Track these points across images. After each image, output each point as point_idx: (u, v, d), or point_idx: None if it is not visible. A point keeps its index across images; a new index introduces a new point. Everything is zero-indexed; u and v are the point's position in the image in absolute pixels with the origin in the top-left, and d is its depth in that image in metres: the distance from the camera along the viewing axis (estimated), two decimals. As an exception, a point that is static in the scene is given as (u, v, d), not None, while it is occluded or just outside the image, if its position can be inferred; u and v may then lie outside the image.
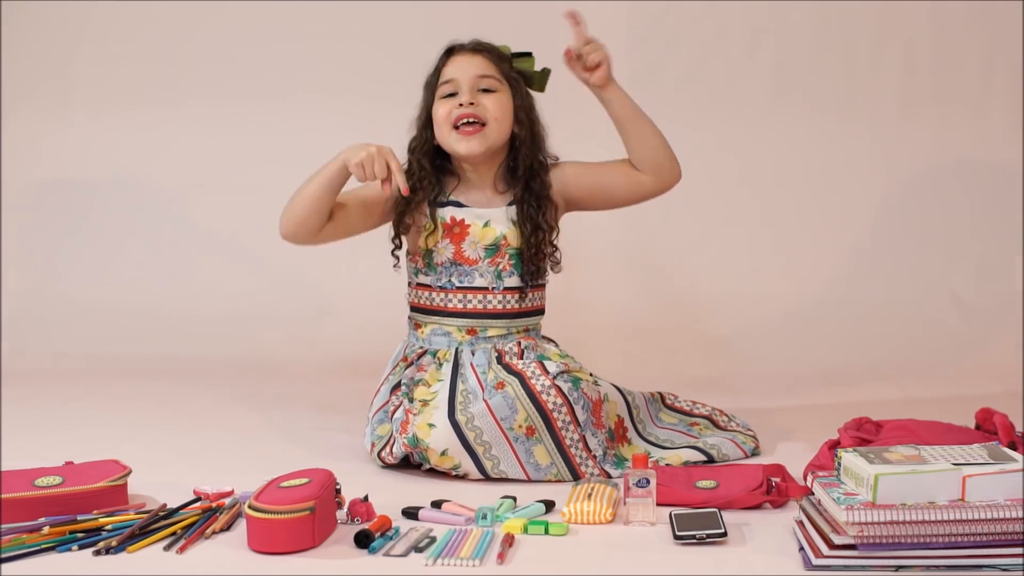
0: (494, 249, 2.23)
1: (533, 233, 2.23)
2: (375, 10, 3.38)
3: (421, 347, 2.25)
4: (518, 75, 2.25)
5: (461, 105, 2.17)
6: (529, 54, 2.28)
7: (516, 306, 2.24)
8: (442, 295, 2.23)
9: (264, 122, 3.41)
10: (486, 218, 2.23)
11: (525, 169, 2.23)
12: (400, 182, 2.07)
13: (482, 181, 2.26)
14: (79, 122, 3.46)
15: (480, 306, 2.22)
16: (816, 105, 3.34)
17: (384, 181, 2.08)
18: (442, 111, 2.20)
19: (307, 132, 3.37)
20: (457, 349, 2.21)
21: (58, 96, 3.47)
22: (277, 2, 3.39)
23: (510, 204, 2.24)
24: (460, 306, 2.23)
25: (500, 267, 2.23)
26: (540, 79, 2.29)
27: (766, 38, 3.35)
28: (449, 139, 2.20)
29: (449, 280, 2.23)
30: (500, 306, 2.23)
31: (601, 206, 2.33)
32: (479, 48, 2.23)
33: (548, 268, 2.29)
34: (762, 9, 3.33)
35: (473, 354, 2.20)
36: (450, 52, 2.24)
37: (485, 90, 2.19)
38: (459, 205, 2.24)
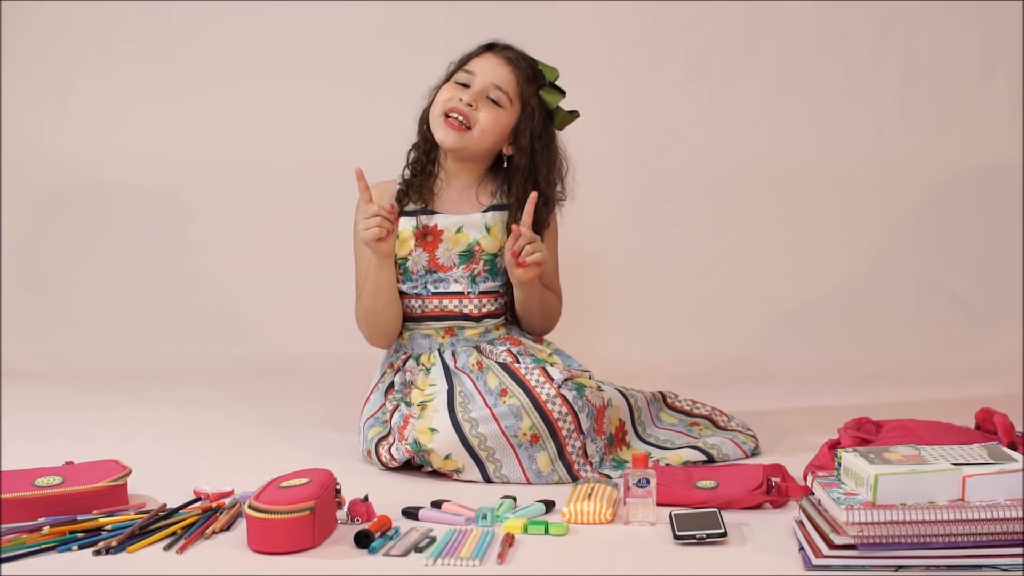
0: (468, 255, 2.23)
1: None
2: (371, 10, 3.38)
3: (405, 352, 2.26)
4: (539, 104, 2.23)
5: (461, 100, 2.18)
6: (562, 92, 2.26)
7: (492, 309, 2.24)
8: (419, 301, 2.24)
9: (265, 123, 3.41)
10: (459, 224, 2.23)
11: (519, 197, 2.22)
12: (388, 214, 2.11)
13: (462, 183, 2.27)
14: (80, 122, 3.46)
15: (456, 310, 2.23)
16: (816, 105, 3.34)
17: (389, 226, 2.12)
18: (444, 95, 2.21)
19: (308, 132, 3.38)
20: (440, 351, 2.22)
21: (59, 96, 3.46)
22: (277, 2, 3.39)
23: (486, 210, 2.25)
24: (437, 310, 2.23)
25: (475, 272, 2.23)
26: (562, 119, 2.27)
27: (766, 38, 3.34)
28: (435, 122, 2.21)
29: (425, 287, 2.23)
30: (476, 310, 2.23)
31: None
32: (513, 59, 2.22)
33: None
34: (762, 9, 3.33)
35: (455, 356, 2.20)
36: (489, 48, 2.24)
37: (493, 100, 2.19)
38: (432, 212, 2.24)
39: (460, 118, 2.18)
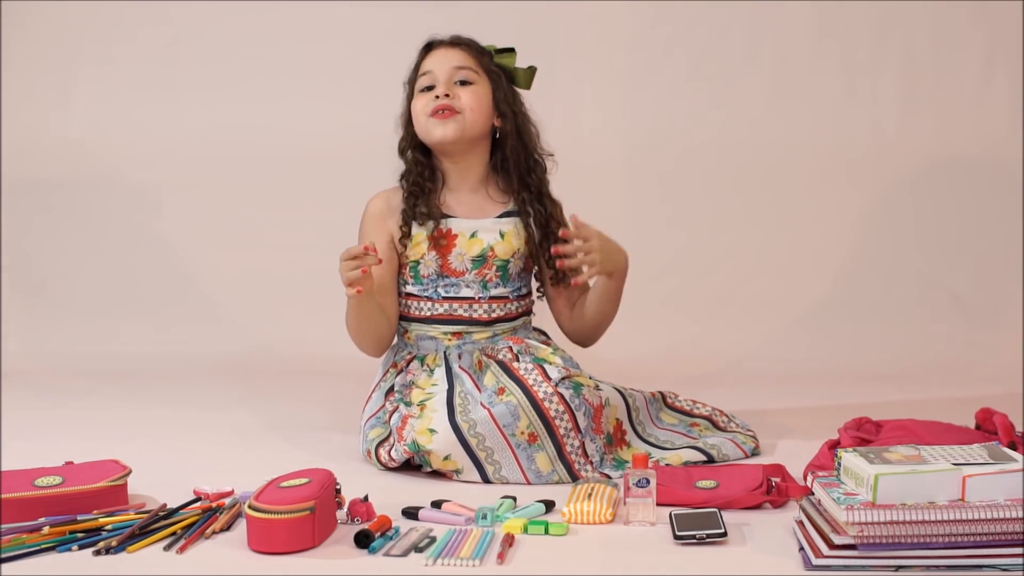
0: (481, 260, 2.23)
1: (545, 237, 2.24)
2: (370, 10, 3.38)
3: (410, 352, 2.25)
4: (500, 70, 2.25)
5: (437, 98, 2.18)
6: (511, 50, 2.28)
7: (501, 313, 2.24)
8: (429, 304, 2.24)
9: (266, 123, 3.41)
10: (473, 228, 2.23)
11: (517, 165, 2.24)
12: (369, 263, 2.04)
13: (470, 186, 2.26)
14: (80, 122, 3.46)
15: (465, 314, 2.23)
16: (816, 105, 3.34)
17: (360, 280, 2.05)
18: (419, 104, 2.22)
19: (306, 131, 3.38)
20: (446, 352, 2.22)
21: (59, 96, 3.46)
22: (276, 3, 3.39)
23: (500, 216, 2.25)
24: (446, 314, 2.23)
25: (486, 278, 2.23)
26: (525, 76, 2.29)
27: (766, 38, 3.35)
28: (427, 126, 2.20)
29: (436, 291, 2.23)
30: (485, 315, 2.23)
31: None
32: (457, 42, 2.25)
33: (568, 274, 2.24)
34: (762, 9, 3.33)
35: (460, 357, 2.20)
36: (429, 47, 2.26)
37: (463, 82, 2.21)
38: (446, 216, 2.24)
39: (446, 109, 2.18)
